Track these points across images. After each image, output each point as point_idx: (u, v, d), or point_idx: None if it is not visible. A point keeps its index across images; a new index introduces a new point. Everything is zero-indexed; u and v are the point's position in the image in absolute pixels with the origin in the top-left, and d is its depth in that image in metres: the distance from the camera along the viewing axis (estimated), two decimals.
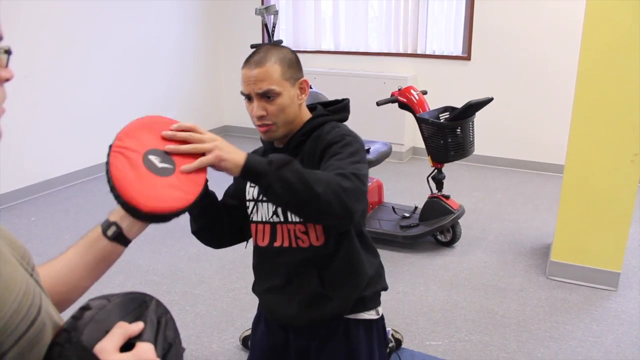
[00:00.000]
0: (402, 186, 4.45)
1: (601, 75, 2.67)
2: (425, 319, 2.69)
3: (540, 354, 2.40)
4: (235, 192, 1.71)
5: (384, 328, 1.79)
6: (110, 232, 1.06)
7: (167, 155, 1.17)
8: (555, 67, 4.52)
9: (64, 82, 4.42)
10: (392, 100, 3.46)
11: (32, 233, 3.66)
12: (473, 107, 3.12)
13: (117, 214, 1.09)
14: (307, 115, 1.62)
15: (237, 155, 1.28)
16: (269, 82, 1.50)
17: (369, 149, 3.55)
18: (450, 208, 3.36)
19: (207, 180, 1.20)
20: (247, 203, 1.66)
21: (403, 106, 3.45)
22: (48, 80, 4.28)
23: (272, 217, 1.62)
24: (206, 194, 1.57)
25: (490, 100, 3.13)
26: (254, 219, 1.65)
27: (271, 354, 1.77)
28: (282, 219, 1.60)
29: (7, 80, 0.75)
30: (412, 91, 3.42)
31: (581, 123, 2.78)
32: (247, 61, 1.54)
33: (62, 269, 1.03)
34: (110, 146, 1.14)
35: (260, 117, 1.53)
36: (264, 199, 1.60)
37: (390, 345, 2.33)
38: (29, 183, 4.25)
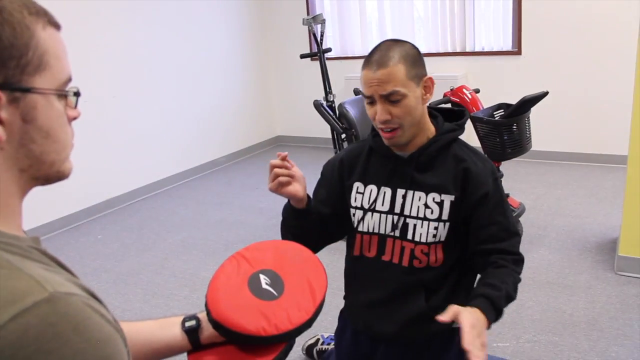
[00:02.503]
0: None
1: None
2: None
3: (615, 353, 2.32)
4: (329, 199, 1.67)
5: None
6: (188, 324, 1.08)
7: (279, 279, 1.12)
8: (611, 54, 4.38)
9: (122, 104, 4.58)
10: (445, 101, 3.43)
11: (100, 251, 3.80)
12: (528, 103, 3.06)
13: (203, 313, 1.10)
14: (428, 120, 1.56)
15: (483, 326, 1.32)
16: (394, 84, 1.43)
17: None
18: (511, 207, 3.30)
19: (307, 325, 1.09)
20: (354, 210, 1.62)
21: (456, 106, 3.42)
22: (108, 102, 4.44)
23: (386, 230, 1.58)
24: (307, 210, 1.59)
25: (545, 94, 3.07)
26: (360, 228, 1.61)
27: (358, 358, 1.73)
28: (398, 235, 1.57)
29: (74, 118, 0.78)
30: (464, 90, 3.39)
31: None
32: (368, 61, 1.47)
33: (129, 336, 1.05)
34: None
35: (385, 121, 1.46)
36: (376, 208, 1.59)
37: None
38: (94, 202, 4.42)
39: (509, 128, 3.14)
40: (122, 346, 0.70)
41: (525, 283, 2.94)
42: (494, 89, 4.56)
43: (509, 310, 2.69)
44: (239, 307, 1.06)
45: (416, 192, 1.54)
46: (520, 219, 3.35)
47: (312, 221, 1.60)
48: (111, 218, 4.40)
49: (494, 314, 1.38)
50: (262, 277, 1.12)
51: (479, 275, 1.60)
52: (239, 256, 1.17)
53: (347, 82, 5.36)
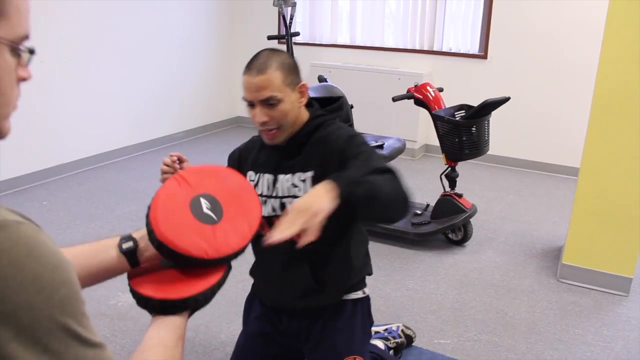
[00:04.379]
0: (414, 183, 4.43)
1: (621, 78, 2.64)
2: (435, 317, 2.68)
3: (549, 357, 2.39)
4: None
5: (369, 307, 1.90)
6: (125, 245, 1.06)
7: (219, 205, 1.15)
8: (573, 69, 4.48)
9: (77, 69, 4.43)
10: (408, 96, 3.44)
11: (44, 217, 3.68)
12: (489, 106, 3.09)
13: (141, 232, 1.09)
14: (305, 114, 1.71)
15: (323, 203, 1.25)
16: (271, 89, 1.57)
17: (383, 144, 3.54)
18: (462, 207, 3.35)
19: (242, 251, 1.12)
20: None
21: (419, 103, 3.44)
22: (62, 67, 4.29)
23: (269, 212, 1.71)
24: None
25: (506, 99, 3.11)
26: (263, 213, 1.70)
27: (262, 335, 1.89)
28: (279, 213, 1.69)
29: (24, 79, 0.75)
30: (428, 88, 3.40)
31: (598, 126, 2.75)
32: (248, 67, 1.60)
33: None
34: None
35: (264, 123, 1.60)
36: (263, 193, 1.71)
37: (399, 340, 2.32)
38: (41, 167, 4.27)
39: (468, 129, 3.17)
40: (74, 272, 0.69)
41: (471, 283, 2.99)
42: (458, 89, 4.60)
43: (452, 308, 2.76)
44: (183, 230, 1.07)
45: (285, 175, 1.69)
46: (471, 220, 3.40)
47: None
48: (59, 185, 4.26)
49: (342, 181, 1.33)
50: (202, 201, 1.14)
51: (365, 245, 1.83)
52: (180, 178, 1.18)
53: (312, 68, 5.32)
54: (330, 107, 1.77)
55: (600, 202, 2.82)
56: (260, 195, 1.71)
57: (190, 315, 1.03)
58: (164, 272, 1.07)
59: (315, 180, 1.62)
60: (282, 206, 1.69)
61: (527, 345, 2.46)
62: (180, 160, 1.70)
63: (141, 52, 4.96)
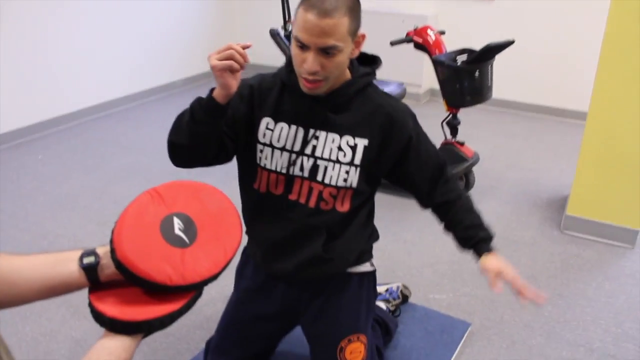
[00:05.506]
0: None
1: (633, 19, 2.45)
2: (431, 271, 2.61)
3: (548, 313, 2.32)
4: (232, 119, 1.51)
5: (375, 281, 1.79)
6: (86, 260, 0.98)
7: (193, 226, 1.04)
8: (582, 9, 4.23)
9: (72, 19, 4.27)
10: (407, 40, 3.27)
11: (40, 172, 3.63)
12: (492, 50, 2.92)
13: (105, 247, 1.00)
14: (347, 70, 1.49)
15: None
16: (336, 38, 1.33)
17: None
18: (464, 155, 3.23)
19: (212, 279, 1.02)
20: (261, 147, 1.53)
21: (418, 47, 3.26)
22: (57, 17, 4.13)
23: (294, 171, 1.51)
24: (225, 109, 1.42)
25: (510, 43, 2.93)
26: (266, 165, 1.54)
27: (257, 295, 1.76)
28: (307, 176, 1.52)
29: None
30: (428, 31, 3.22)
31: (607, 70, 2.58)
32: (314, 3, 1.31)
33: (20, 271, 0.94)
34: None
35: (314, 72, 1.36)
36: (286, 147, 1.50)
37: (399, 302, 2.26)
38: (37, 120, 4.19)
39: (470, 74, 3.01)
40: None
41: None
42: (463, 33, 4.38)
43: (450, 261, 2.68)
44: (147, 252, 0.98)
45: (329, 134, 1.49)
46: (474, 168, 3.28)
47: (218, 126, 1.45)
48: (55, 138, 4.18)
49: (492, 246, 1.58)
50: (175, 220, 1.03)
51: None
52: (155, 193, 1.08)
53: None
54: (374, 67, 1.56)
55: (607, 150, 2.68)
56: (282, 149, 1.50)
57: (144, 337, 0.95)
58: (128, 290, 0.98)
59: (368, 151, 1.49)
60: (314, 169, 1.49)
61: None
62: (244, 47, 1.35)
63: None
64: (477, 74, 3.01)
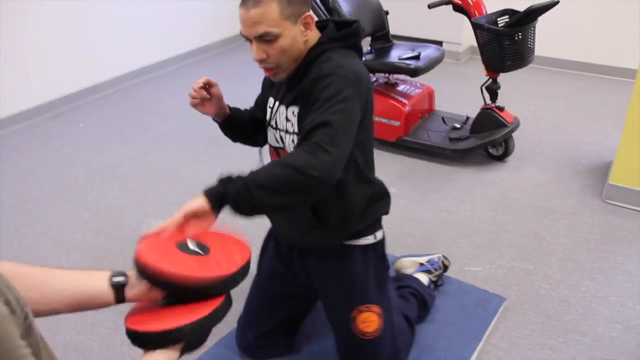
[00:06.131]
0: (457, 90, 4.20)
1: None
2: (467, 242, 2.59)
3: (585, 287, 2.28)
4: (263, 104, 1.75)
5: (383, 251, 1.82)
6: (116, 279, 1.04)
7: (206, 247, 1.13)
8: None
9: None
10: (446, 1, 3.16)
11: (80, 140, 3.71)
12: (535, 12, 2.79)
13: (132, 272, 1.08)
14: (316, 37, 1.54)
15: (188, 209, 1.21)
16: (267, 24, 1.40)
17: (419, 54, 3.30)
18: (503, 121, 3.14)
19: (237, 275, 1.08)
20: (267, 123, 1.72)
21: (457, 9, 3.15)
22: None
23: (273, 142, 1.68)
24: (229, 117, 1.76)
25: (555, 3, 2.80)
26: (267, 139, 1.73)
27: (275, 274, 1.89)
28: (282, 145, 1.65)
29: None
30: None
31: None
32: (244, 0, 1.43)
33: (53, 282, 1.01)
34: None
35: (261, 61, 1.47)
36: (272, 124, 1.65)
37: (440, 272, 2.27)
38: (78, 88, 4.25)
39: (511, 38, 2.90)
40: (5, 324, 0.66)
41: (509, 204, 2.86)
42: None
43: (487, 232, 2.65)
44: (167, 257, 1.05)
45: (281, 106, 1.61)
46: (514, 134, 3.20)
47: (242, 125, 1.78)
48: (96, 106, 4.25)
49: (219, 194, 1.23)
50: (189, 241, 1.13)
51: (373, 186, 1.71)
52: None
53: None
54: (338, 34, 1.54)
55: None
56: (268, 124, 1.68)
57: (182, 354, 0.99)
58: (158, 309, 1.06)
59: (300, 117, 1.52)
60: (281, 140, 1.63)
61: (562, 274, 2.36)
62: (209, 85, 1.64)
63: None
64: (518, 37, 2.90)
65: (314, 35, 1.53)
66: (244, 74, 4.60)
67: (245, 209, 1.25)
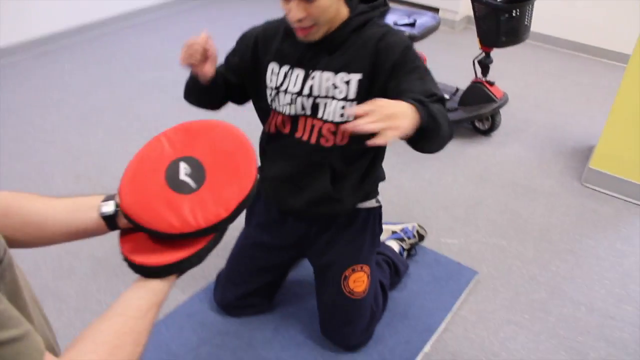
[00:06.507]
0: (450, 59, 4.17)
1: None
2: (446, 214, 2.63)
3: (555, 267, 2.34)
4: (239, 70, 1.68)
5: (381, 216, 1.87)
6: (105, 208, 0.99)
7: (202, 170, 0.99)
8: None
9: None
10: None
11: (66, 82, 3.65)
12: None
13: None
14: (345, 9, 1.51)
15: (406, 122, 1.20)
16: None
17: (415, 22, 3.27)
18: (492, 96, 3.15)
19: (224, 222, 0.96)
20: (270, 90, 1.63)
21: None
22: None
23: (296, 110, 1.59)
24: (210, 86, 1.61)
25: None
26: (276, 107, 1.63)
27: (260, 245, 1.89)
28: (309, 113, 1.59)
29: None
30: None
31: None
32: None
33: (45, 214, 0.98)
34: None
35: (299, 20, 1.42)
36: (288, 89, 1.58)
37: (414, 241, 2.31)
38: (64, 27, 4.16)
39: (508, 14, 2.88)
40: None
41: (490, 179, 2.90)
42: None
43: (465, 205, 2.69)
44: (149, 201, 0.96)
45: (324, 73, 1.54)
46: (501, 110, 3.21)
47: (216, 90, 1.65)
48: (82, 47, 4.16)
49: (423, 111, 1.27)
50: (182, 165, 1.00)
51: None
52: (165, 137, 1.06)
53: None
54: (375, 3, 1.57)
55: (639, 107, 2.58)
56: (285, 91, 1.58)
57: (178, 277, 0.97)
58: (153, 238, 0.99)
59: (362, 85, 1.52)
60: (315, 107, 1.57)
61: (535, 253, 2.42)
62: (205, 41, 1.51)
63: None
64: (516, 13, 2.88)
65: (343, 5, 1.50)
66: (239, 24, 4.51)
67: (428, 134, 1.29)
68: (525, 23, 2.94)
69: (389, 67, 1.48)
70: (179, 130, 1.06)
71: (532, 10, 2.93)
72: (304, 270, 2.18)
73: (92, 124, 3.20)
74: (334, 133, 1.59)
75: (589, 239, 2.51)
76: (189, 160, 1.00)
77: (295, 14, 1.41)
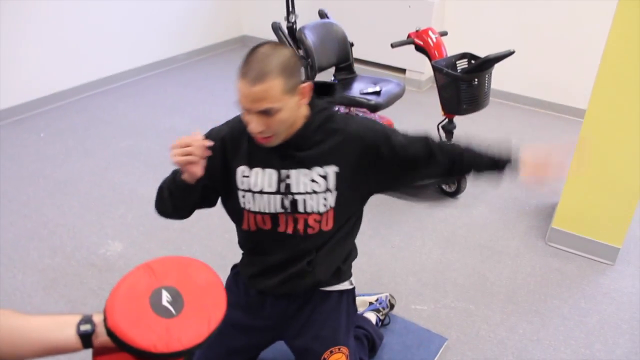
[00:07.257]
0: (416, 119, 4.32)
1: (637, 29, 2.38)
2: (415, 280, 2.70)
3: (522, 330, 2.42)
4: (209, 171, 1.62)
5: (355, 297, 1.93)
6: (83, 327, 1.07)
7: (180, 299, 1.13)
8: (590, 9, 4.18)
9: None
10: (408, 42, 3.28)
11: (41, 151, 3.70)
12: (491, 61, 2.93)
13: (100, 316, 1.10)
14: (305, 108, 1.56)
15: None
16: (270, 101, 1.40)
17: (380, 90, 3.41)
18: None
19: (195, 348, 1.09)
20: (242, 193, 1.64)
21: (419, 49, 3.28)
22: None
23: (276, 209, 1.62)
24: (196, 186, 1.59)
25: (510, 53, 2.94)
26: (250, 208, 1.65)
27: (245, 309, 1.88)
28: (290, 211, 1.62)
29: None
30: (430, 33, 3.23)
31: (607, 80, 2.50)
32: (244, 72, 1.40)
33: (21, 331, 1.04)
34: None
35: (260, 132, 1.47)
36: (264, 190, 1.61)
37: (387, 310, 2.37)
38: (40, 95, 4.23)
39: (468, 84, 3.03)
40: None
41: (457, 242, 2.99)
42: (471, 22, 4.35)
43: (434, 270, 2.77)
44: (135, 320, 1.08)
45: (300, 170, 1.58)
46: None
47: (197, 190, 1.62)
48: (57, 114, 4.23)
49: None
50: (164, 293, 1.14)
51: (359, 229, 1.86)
52: (147, 267, 1.20)
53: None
54: (332, 99, 1.68)
55: (599, 165, 2.67)
56: (260, 192, 1.60)
57: None
58: (123, 355, 1.08)
59: (340, 176, 1.58)
60: (294, 203, 1.59)
61: (502, 316, 2.49)
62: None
63: None
64: (475, 82, 3.03)
65: (302, 111, 1.56)
66: (211, 87, 4.65)
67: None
68: (485, 90, 3.10)
69: (374, 149, 1.58)
70: (161, 262, 1.21)
71: (490, 78, 3.09)
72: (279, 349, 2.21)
73: (68, 195, 3.24)
74: (319, 221, 1.64)
75: (553, 299, 2.59)
76: (169, 289, 1.14)
77: (255, 126, 1.45)
